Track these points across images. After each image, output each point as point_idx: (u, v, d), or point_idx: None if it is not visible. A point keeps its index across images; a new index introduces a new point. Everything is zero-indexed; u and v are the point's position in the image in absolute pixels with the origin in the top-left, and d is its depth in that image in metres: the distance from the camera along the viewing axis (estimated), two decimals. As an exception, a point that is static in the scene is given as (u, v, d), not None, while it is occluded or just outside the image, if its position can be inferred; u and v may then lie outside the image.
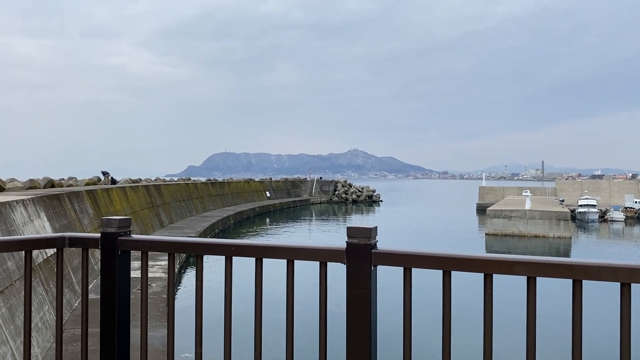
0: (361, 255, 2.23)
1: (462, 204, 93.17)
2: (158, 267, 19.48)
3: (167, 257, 2.64)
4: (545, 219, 47.35)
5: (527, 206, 50.25)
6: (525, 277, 2.05)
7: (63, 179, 32.12)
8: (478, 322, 2.17)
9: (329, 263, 2.37)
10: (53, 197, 19.75)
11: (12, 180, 25.40)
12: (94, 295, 13.12)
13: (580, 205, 66.37)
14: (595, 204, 67.01)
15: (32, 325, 3.16)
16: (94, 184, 34.16)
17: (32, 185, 25.12)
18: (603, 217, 65.88)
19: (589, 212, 63.06)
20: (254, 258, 2.50)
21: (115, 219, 2.65)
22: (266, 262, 2.50)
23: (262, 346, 2.49)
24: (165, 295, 16.73)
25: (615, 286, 1.97)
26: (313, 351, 2.46)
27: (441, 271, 2.18)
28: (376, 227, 2.32)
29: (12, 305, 12.02)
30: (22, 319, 12.42)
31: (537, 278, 2.05)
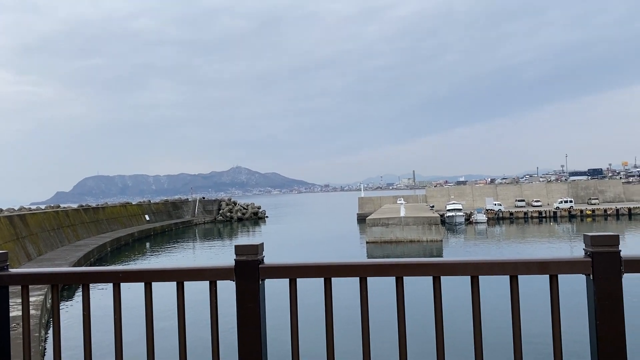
0: (250, 271, 2.39)
1: (344, 215, 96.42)
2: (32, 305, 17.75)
3: (40, 291, 2.59)
4: (418, 225, 50.61)
5: (402, 213, 53.39)
6: (394, 277, 2.35)
7: None
8: (355, 325, 2.42)
9: (218, 282, 2.49)
10: None
11: None
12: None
13: (448, 210, 71.86)
14: (461, 208, 72.98)
15: None
16: (-57, 218, 30.29)
17: None
18: (469, 219, 71.94)
19: (456, 215, 68.44)
20: (143, 283, 2.55)
21: (-12, 254, 2.54)
22: (156, 286, 2.55)
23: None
24: (37, 334, 15.32)
25: (465, 280, 2.33)
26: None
27: (322, 279, 2.41)
28: (262, 244, 2.49)
29: None
30: None
31: (405, 278, 2.36)
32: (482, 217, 73.05)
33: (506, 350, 2.27)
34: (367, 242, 49.10)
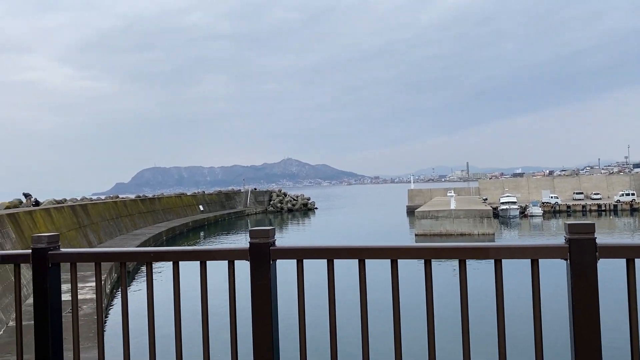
0: (262, 253, 2.70)
1: (393, 207, 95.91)
2: (88, 288, 19.00)
3: (94, 279, 2.98)
4: (469, 218, 49.82)
5: (452, 206, 52.61)
6: (389, 260, 2.60)
7: (-21, 204, 30.42)
8: (354, 303, 2.68)
9: (236, 261, 2.82)
10: (-31, 222, 18.83)
11: None
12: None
13: (502, 203, 70.18)
14: (515, 200, 71.12)
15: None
16: (15, 207, 32.53)
17: (-56, 211, 23.74)
18: (523, 212, 70.03)
19: (510, 208, 66.76)
20: (172, 262, 2.91)
21: (45, 236, 2.96)
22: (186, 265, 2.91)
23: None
24: (95, 317, 16.39)
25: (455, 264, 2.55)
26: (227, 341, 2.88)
27: (325, 260, 2.69)
28: (274, 229, 2.79)
29: None
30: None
31: (399, 261, 2.60)
32: (537, 210, 70.87)
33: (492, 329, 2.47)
34: (415, 235, 48.81)
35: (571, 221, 2.38)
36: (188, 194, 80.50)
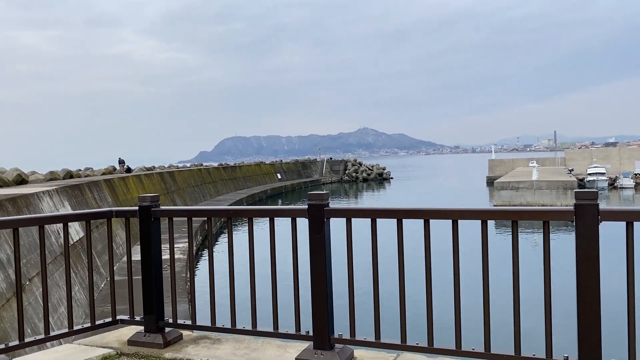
0: (318, 212, 3.29)
1: (473, 177, 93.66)
2: (177, 249, 20.71)
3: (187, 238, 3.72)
4: (552, 189, 47.98)
5: (534, 177, 50.78)
6: (422, 219, 3.11)
7: (80, 170, 33.50)
8: (394, 258, 3.21)
9: (297, 219, 3.44)
10: (74, 187, 21.04)
11: (33, 172, 26.77)
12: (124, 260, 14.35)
13: (589, 174, 66.63)
14: (604, 171, 67.21)
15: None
16: (110, 173, 35.52)
17: (52, 177, 26.50)
18: (612, 184, 66.16)
19: (598, 180, 63.30)
20: (247, 219, 3.58)
21: (148, 196, 3.74)
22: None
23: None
24: (183, 275, 18.00)
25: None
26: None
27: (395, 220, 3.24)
28: (328, 193, 3.37)
29: (47, 285, 13.32)
30: (58, 297, 13.74)
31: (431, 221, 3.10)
32: (628, 182, 66.55)
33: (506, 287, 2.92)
34: (494, 206, 47.79)
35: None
36: (267, 162, 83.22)
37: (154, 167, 46.93)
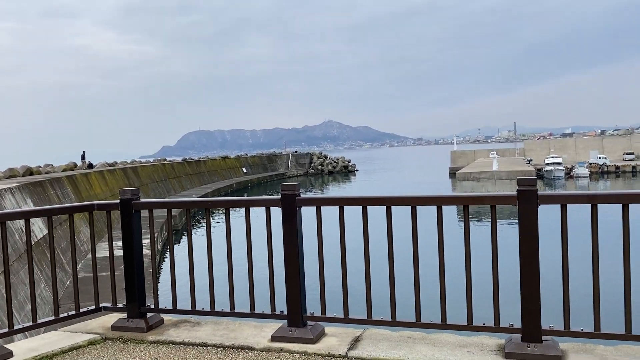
0: (290, 201, 3.58)
1: (435, 169, 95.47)
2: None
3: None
4: (512, 179, 49.55)
5: (494, 167, 52.30)
6: (385, 207, 3.44)
7: (40, 166, 32.73)
8: (359, 243, 3.53)
9: (272, 208, 3.73)
10: (36, 184, 20.68)
11: (-9, 169, 26.08)
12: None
13: (547, 164, 68.89)
14: (561, 161, 69.54)
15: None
16: (71, 169, 34.80)
17: (11, 174, 25.86)
18: (569, 174, 68.61)
19: (555, 169, 65.50)
20: (224, 209, 3.84)
21: (129, 190, 3.95)
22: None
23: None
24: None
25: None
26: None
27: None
28: (299, 184, 3.67)
29: (12, 283, 13.16)
30: (22, 297, 13.62)
31: (393, 208, 3.43)
32: (583, 172, 69.14)
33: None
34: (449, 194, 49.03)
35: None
36: (232, 156, 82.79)
37: (116, 163, 46.15)
